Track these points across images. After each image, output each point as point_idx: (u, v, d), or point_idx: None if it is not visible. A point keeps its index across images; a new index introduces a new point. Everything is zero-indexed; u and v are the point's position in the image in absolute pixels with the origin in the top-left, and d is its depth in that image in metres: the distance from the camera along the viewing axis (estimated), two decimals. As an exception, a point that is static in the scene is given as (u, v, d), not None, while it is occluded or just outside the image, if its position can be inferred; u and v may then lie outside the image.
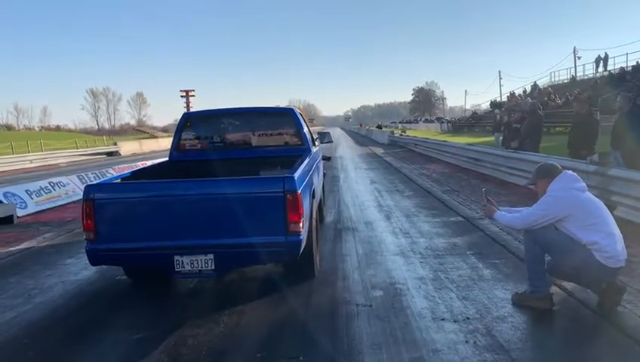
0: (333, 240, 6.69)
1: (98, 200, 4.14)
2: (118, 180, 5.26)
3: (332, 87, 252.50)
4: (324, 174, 8.38)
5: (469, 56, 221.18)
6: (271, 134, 6.80)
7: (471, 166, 14.33)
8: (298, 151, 6.29)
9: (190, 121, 6.99)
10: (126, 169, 14.88)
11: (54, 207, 10.39)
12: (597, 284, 3.82)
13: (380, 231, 7.08)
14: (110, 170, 14.03)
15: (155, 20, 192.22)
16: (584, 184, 3.97)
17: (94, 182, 5.63)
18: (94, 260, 4.28)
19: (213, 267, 4.12)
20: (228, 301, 4.42)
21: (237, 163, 6.29)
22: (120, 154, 35.45)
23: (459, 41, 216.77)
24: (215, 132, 6.80)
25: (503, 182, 11.22)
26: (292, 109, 7.18)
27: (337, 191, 11.40)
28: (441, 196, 9.96)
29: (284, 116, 7.02)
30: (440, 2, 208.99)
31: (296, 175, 4.28)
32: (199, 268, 4.12)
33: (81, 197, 4.35)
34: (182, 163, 6.54)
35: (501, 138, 14.95)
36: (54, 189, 10.94)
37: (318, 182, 6.42)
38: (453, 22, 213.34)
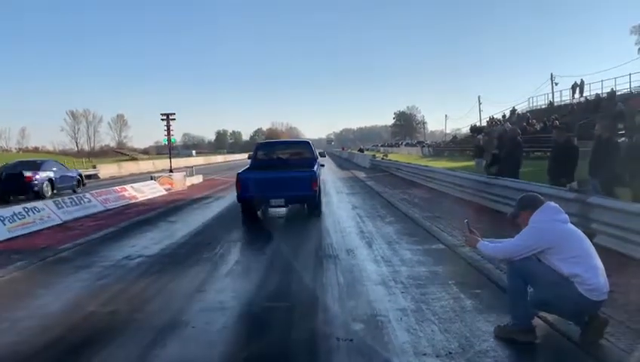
0: (314, 269, 6.57)
1: (241, 178, 10.25)
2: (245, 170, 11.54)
3: (314, 110, 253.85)
4: (322, 165, 13.75)
5: (449, 81, 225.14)
6: (296, 151, 13.48)
7: (452, 191, 14.39)
8: (311, 160, 12.48)
9: (260, 146, 14.15)
10: (103, 193, 14.66)
11: (28, 234, 10.09)
12: (579, 317, 3.79)
13: (361, 260, 7.00)
14: (87, 195, 13.77)
15: (137, 40, 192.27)
16: (566, 216, 3.95)
17: (241, 170, 11.06)
18: (241, 199, 10.41)
19: (283, 203, 10.80)
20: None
21: (283, 164, 12.40)
22: (99, 177, 34.91)
23: (439, 66, 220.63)
24: (273, 150, 13.65)
25: (484, 208, 11.27)
26: (308, 141, 14.14)
27: (319, 217, 11.30)
28: (423, 222, 9.94)
29: (305, 144, 14.04)
30: (420, 27, 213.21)
31: (314, 169, 10.72)
32: (278, 204, 10.62)
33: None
34: (259, 163, 12.64)
35: (484, 163, 15.05)
36: (28, 215, 10.63)
37: (320, 172, 12.46)
38: (433, 47, 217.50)
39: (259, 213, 11.51)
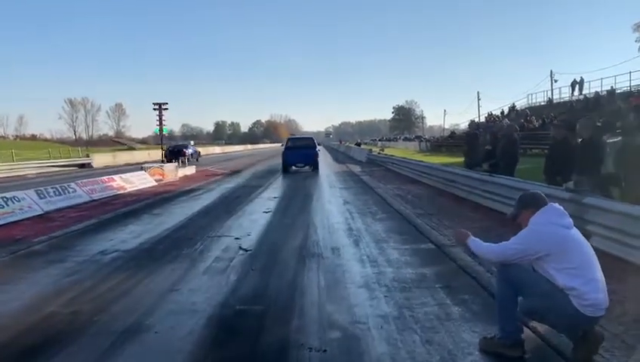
0: (295, 268, 6.24)
1: (284, 153, 23.85)
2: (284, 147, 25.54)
3: (314, 103, 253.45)
4: (318, 150, 25.14)
5: (449, 76, 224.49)
6: (307, 142, 25.38)
7: (447, 188, 14.06)
8: (314, 147, 24.73)
9: (289, 139, 26.56)
10: (90, 183, 14.34)
11: (5, 224, 9.73)
12: (573, 331, 3.45)
13: (346, 259, 6.68)
14: (72, 185, 13.41)
15: (137, 30, 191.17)
16: (570, 220, 3.58)
17: (283, 151, 24.37)
18: (284, 163, 23.73)
19: (302, 165, 23.90)
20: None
21: (300, 148, 24.20)
22: (92, 167, 34.58)
23: (439, 61, 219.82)
24: (295, 141, 25.90)
25: (478, 205, 10.95)
26: (312, 137, 28.05)
27: (308, 212, 11.00)
28: (414, 220, 9.62)
29: (311, 138, 26.71)
30: (420, 23, 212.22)
31: (316, 150, 24.50)
32: (300, 166, 23.96)
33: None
34: (289, 148, 24.27)
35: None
36: (7, 205, 10.28)
37: (319, 152, 25.77)
38: (433, 42, 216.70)
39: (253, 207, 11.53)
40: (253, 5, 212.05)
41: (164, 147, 38.23)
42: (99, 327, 4.37)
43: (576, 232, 3.56)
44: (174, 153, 37.98)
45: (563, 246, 3.41)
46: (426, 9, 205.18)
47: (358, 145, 60.21)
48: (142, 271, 6.25)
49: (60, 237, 8.65)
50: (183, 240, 8.09)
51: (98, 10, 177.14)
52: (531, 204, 3.66)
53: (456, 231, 4.12)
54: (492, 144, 12.00)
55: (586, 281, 3.32)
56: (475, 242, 3.83)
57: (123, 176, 16.99)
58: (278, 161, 27.37)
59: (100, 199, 13.85)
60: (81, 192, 13.49)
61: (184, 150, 39.15)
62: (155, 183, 18.41)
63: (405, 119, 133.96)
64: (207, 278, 5.89)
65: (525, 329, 3.81)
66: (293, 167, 23.82)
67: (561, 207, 3.61)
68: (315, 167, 23.76)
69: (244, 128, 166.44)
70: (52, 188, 12.49)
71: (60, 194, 12.50)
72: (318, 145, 29.32)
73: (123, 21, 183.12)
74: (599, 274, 3.42)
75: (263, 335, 4.15)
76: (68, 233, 9.01)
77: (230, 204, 12.57)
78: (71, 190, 13.15)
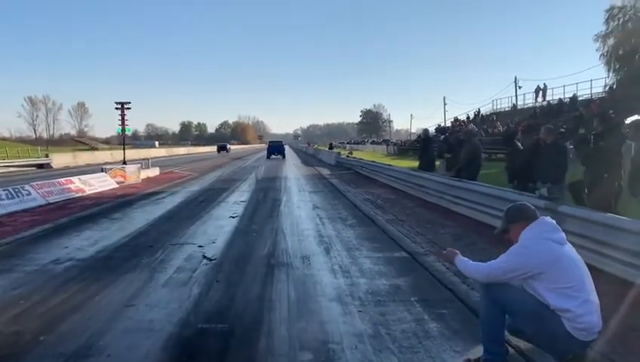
0: (264, 280, 5.89)
1: (268, 148, 49.46)
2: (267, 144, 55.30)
3: (282, 105, 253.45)
4: (284, 148, 50.32)
5: (416, 81, 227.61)
6: (279, 143, 50.97)
7: (416, 192, 13.94)
8: (283, 146, 50.38)
9: (270, 142, 55.00)
10: (46, 186, 13.63)
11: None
12: (562, 354, 3.22)
13: (317, 269, 6.37)
14: (27, 187, 12.67)
15: (103, 30, 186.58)
16: (563, 234, 3.33)
17: (267, 147, 50.58)
18: (267, 154, 47.28)
19: (276, 155, 46.02)
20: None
21: (276, 146, 48.54)
22: (52, 167, 33.22)
23: (407, 66, 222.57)
24: (273, 143, 51.56)
25: (448, 210, 10.83)
26: (282, 140, 60.74)
27: (277, 217, 10.64)
28: (385, 226, 9.39)
29: (281, 141, 55.13)
30: (388, 29, 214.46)
31: (284, 147, 50.67)
32: (275, 155, 45.97)
33: None
34: (270, 146, 49.40)
35: (445, 165, 14.68)
36: (-48, 209, 9.62)
37: (285, 148, 51.42)
38: (401, 47, 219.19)
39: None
40: (221, 7, 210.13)
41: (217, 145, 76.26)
42: (44, 349, 3.93)
43: (569, 248, 3.32)
44: (222, 148, 71.65)
45: (557, 264, 3.16)
46: (392, 17, 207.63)
47: (331, 148, 60.06)
48: (97, 283, 5.79)
49: (9, 243, 8.06)
50: (143, 248, 7.62)
51: (61, 7, 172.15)
52: (520, 217, 3.41)
53: (443, 252, 3.87)
54: (449, 151, 11.98)
55: (581, 303, 3.09)
56: (462, 261, 3.59)
57: (82, 177, 16.24)
58: (249, 163, 36.92)
59: (57, 202, 13.15)
60: (36, 195, 12.77)
61: (227, 146, 74.66)
62: (117, 185, 17.69)
63: (373, 123, 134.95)
64: (167, 292, 5.48)
65: (510, 349, 3.59)
66: (272, 156, 44.86)
67: (553, 221, 3.38)
68: (283, 156, 45.35)
69: (211, 129, 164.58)
70: (4, 190, 11.76)
71: (12, 198, 11.79)
72: (286, 145, 55.39)
73: (88, 21, 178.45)
74: (594, 295, 3.20)
75: (227, 357, 3.80)
76: (19, 239, 8.42)
77: (195, 209, 12.10)
78: (25, 192, 12.43)
